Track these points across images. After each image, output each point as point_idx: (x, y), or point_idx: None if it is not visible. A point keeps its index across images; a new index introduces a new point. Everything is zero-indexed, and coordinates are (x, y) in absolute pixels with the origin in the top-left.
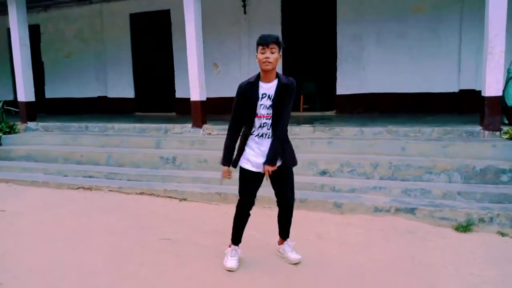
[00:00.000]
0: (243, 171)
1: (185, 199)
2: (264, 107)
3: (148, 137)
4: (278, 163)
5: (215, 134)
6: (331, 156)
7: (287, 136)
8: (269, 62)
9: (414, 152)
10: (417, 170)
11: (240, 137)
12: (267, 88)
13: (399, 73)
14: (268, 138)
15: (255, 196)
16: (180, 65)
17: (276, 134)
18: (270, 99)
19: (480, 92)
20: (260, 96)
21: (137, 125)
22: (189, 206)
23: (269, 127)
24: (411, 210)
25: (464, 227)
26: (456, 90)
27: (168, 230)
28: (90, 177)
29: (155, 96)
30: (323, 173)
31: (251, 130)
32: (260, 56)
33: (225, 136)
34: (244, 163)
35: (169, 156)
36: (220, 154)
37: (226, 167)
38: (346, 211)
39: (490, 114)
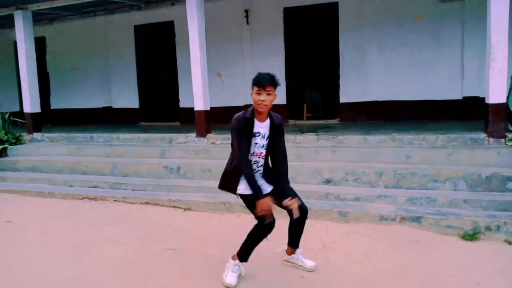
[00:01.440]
0: (248, 196)
1: (189, 209)
2: (258, 146)
3: (152, 147)
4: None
5: (219, 144)
6: (336, 165)
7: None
8: (265, 105)
9: (419, 160)
10: (422, 178)
11: (232, 166)
12: (261, 127)
13: (402, 80)
14: (261, 175)
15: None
16: (184, 75)
17: (282, 173)
18: (264, 138)
19: (483, 99)
20: (255, 134)
21: (142, 135)
22: (194, 216)
23: (259, 165)
24: (417, 219)
25: (471, 236)
26: (459, 97)
27: (173, 240)
28: (95, 187)
29: (159, 106)
30: (328, 181)
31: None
32: (256, 97)
33: (228, 145)
34: (245, 190)
35: (174, 166)
36: (224, 163)
37: (264, 199)
38: (351, 220)
39: (494, 121)
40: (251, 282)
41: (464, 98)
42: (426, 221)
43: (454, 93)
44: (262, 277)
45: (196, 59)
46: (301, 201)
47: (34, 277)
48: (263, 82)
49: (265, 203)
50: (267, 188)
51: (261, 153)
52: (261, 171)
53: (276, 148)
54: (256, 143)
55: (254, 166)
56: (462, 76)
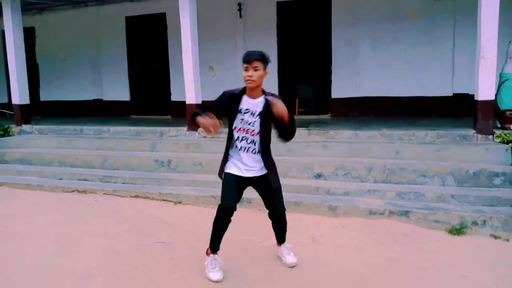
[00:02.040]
0: (226, 175)
1: (180, 202)
2: (245, 122)
3: (143, 140)
4: (262, 172)
5: (210, 137)
6: (326, 160)
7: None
8: (252, 81)
9: (408, 155)
10: (411, 174)
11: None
12: (252, 104)
13: (394, 77)
14: (254, 153)
15: (236, 201)
16: (175, 68)
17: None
18: (253, 116)
19: (473, 96)
20: (241, 110)
21: (132, 128)
22: (184, 209)
23: (254, 143)
24: (405, 213)
25: (458, 230)
26: (450, 94)
27: (163, 233)
28: (85, 180)
29: (151, 99)
30: (318, 176)
31: (231, 141)
32: (244, 73)
33: (219, 139)
34: (228, 169)
35: (164, 159)
36: (215, 157)
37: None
38: (340, 214)
39: (483, 118)
40: (240, 276)
41: (454, 95)
42: (414, 215)
43: (445, 90)
44: (251, 271)
45: (188, 52)
46: (279, 208)
47: (22, 269)
48: (250, 57)
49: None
50: (256, 172)
51: (249, 129)
52: (254, 149)
53: (268, 126)
54: (242, 119)
55: (243, 143)
56: (453, 73)
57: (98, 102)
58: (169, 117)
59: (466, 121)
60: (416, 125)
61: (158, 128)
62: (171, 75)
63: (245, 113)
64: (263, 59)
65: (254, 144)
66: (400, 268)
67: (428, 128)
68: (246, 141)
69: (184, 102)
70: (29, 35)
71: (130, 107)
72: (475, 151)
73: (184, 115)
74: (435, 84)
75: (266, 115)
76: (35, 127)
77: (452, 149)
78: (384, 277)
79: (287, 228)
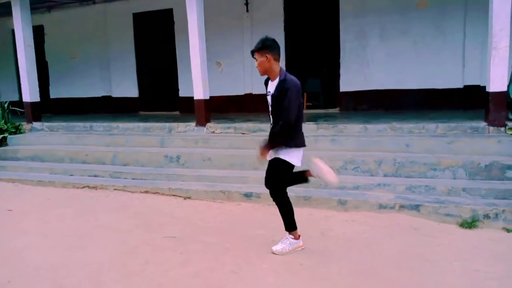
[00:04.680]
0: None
1: (189, 197)
2: (268, 104)
3: (152, 136)
4: (269, 158)
5: (219, 133)
6: (335, 154)
7: (285, 133)
8: (258, 69)
9: (419, 148)
10: (422, 167)
11: None
12: (271, 86)
13: (403, 69)
14: None
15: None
16: (183, 64)
17: (275, 127)
18: (270, 97)
19: (484, 87)
20: (267, 93)
21: (141, 124)
22: (194, 204)
23: (271, 122)
24: (416, 207)
25: (469, 224)
26: (460, 86)
27: (173, 228)
28: (96, 176)
29: (159, 95)
30: None
31: None
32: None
33: (228, 135)
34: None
35: (173, 155)
36: (224, 152)
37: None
38: (350, 208)
39: (495, 109)
40: (251, 270)
41: (465, 86)
42: (425, 209)
43: (456, 82)
44: (261, 265)
45: (195, 48)
46: (268, 176)
47: (34, 265)
48: (252, 50)
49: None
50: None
51: (269, 109)
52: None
53: (278, 107)
54: (267, 101)
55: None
56: (464, 65)
57: (107, 99)
58: (177, 112)
59: (477, 113)
60: (426, 118)
61: (167, 124)
62: (178, 71)
63: (267, 95)
64: (260, 48)
65: (271, 124)
66: (410, 261)
67: (439, 120)
68: (270, 122)
69: (192, 97)
70: (39, 34)
71: (138, 103)
72: (486, 143)
73: (192, 110)
74: (445, 76)
75: (277, 97)
76: (46, 124)
77: (463, 141)
78: (395, 271)
79: (297, 223)
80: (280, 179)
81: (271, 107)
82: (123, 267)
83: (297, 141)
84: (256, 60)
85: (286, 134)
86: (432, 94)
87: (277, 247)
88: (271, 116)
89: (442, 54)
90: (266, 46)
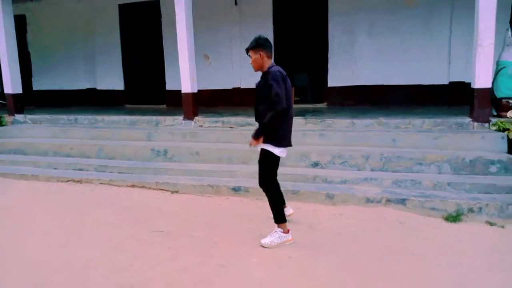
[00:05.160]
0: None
1: (177, 192)
2: None
3: (139, 129)
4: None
5: (207, 127)
6: (323, 148)
7: (273, 119)
8: (252, 66)
9: (405, 144)
10: (408, 162)
11: None
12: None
13: (391, 65)
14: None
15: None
16: (170, 57)
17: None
18: (256, 88)
19: (469, 84)
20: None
21: (128, 117)
22: (181, 199)
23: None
24: (402, 201)
25: (454, 217)
26: (446, 82)
27: (160, 223)
28: (80, 170)
29: (145, 88)
30: (315, 164)
31: None
32: None
33: (216, 129)
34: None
35: (161, 149)
36: (212, 146)
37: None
38: (338, 202)
39: (479, 106)
40: (239, 264)
41: (450, 83)
42: (411, 203)
43: (441, 78)
44: (250, 259)
45: (183, 41)
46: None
47: (19, 261)
48: (246, 49)
49: None
50: None
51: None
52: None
53: (261, 97)
54: None
55: None
56: (449, 62)
57: (91, 91)
58: (164, 106)
59: (462, 109)
60: (413, 114)
61: (154, 117)
62: (166, 64)
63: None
64: (252, 47)
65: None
66: (397, 255)
67: (425, 116)
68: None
69: (180, 91)
70: (20, 23)
71: (124, 96)
72: (471, 139)
73: (180, 104)
74: (431, 73)
75: (259, 86)
76: (29, 116)
77: (449, 137)
78: (381, 264)
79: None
80: (265, 170)
81: (256, 96)
82: (110, 262)
83: (280, 138)
84: (251, 58)
85: (276, 120)
86: (419, 90)
87: (265, 240)
88: (254, 108)
89: (429, 51)
90: (259, 45)
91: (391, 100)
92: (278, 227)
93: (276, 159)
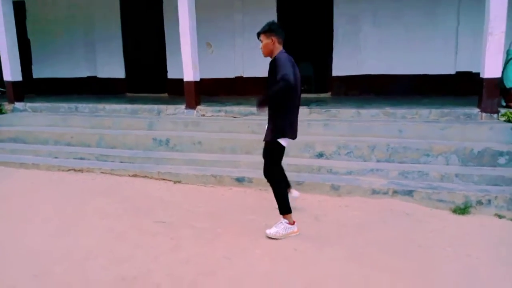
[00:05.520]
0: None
1: (179, 182)
2: None
3: (140, 118)
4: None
5: (209, 116)
6: (328, 138)
7: (274, 93)
8: (262, 51)
9: (412, 134)
10: (415, 153)
11: None
12: None
13: (396, 54)
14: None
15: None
16: (172, 45)
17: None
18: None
19: (476, 74)
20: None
21: (129, 106)
22: (184, 189)
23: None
24: (409, 193)
25: (462, 210)
26: (452, 72)
27: (163, 213)
28: (81, 159)
29: (146, 76)
30: (320, 155)
31: None
32: None
33: (218, 118)
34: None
35: (163, 138)
36: (215, 136)
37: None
38: (343, 193)
39: (488, 96)
40: (244, 256)
41: (457, 73)
42: (418, 195)
43: (447, 68)
44: (254, 250)
45: (185, 28)
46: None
47: (19, 250)
48: (257, 33)
49: None
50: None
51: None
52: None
53: (271, 82)
54: None
55: None
56: (456, 51)
57: (92, 80)
58: (165, 95)
59: (469, 100)
60: (419, 104)
61: (156, 106)
62: (167, 52)
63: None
64: (264, 31)
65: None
66: (404, 247)
67: (432, 106)
68: None
69: (181, 79)
70: (20, 10)
71: (125, 84)
72: (479, 130)
73: (182, 92)
74: (437, 62)
75: (269, 72)
76: (29, 104)
77: (456, 127)
78: (388, 256)
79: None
80: (270, 160)
81: (267, 82)
82: (111, 253)
83: (285, 129)
84: (262, 42)
85: (282, 93)
86: (424, 80)
87: (271, 231)
88: None
89: (435, 40)
90: (272, 29)
91: (396, 90)
92: (284, 218)
93: (281, 149)
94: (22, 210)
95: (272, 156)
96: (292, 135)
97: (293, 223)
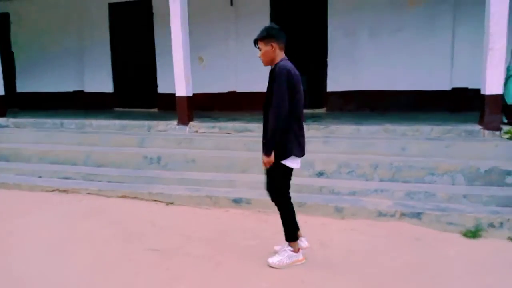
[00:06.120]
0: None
1: (172, 203)
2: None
3: (129, 135)
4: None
5: (203, 132)
6: (328, 156)
7: (278, 127)
8: (261, 59)
9: (415, 152)
10: (419, 172)
11: None
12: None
13: (392, 70)
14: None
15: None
16: (162, 59)
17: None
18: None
19: (472, 90)
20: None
21: (117, 121)
22: (177, 211)
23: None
24: (417, 215)
25: (473, 233)
26: (448, 88)
27: (156, 239)
28: (67, 178)
29: (136, 91)
30: (320, 174)
31: None
32: None
33: (212, 135)
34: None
35: (154, 156)
36: (209, 154)
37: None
38: (347, 215)
39: (490, 112)
40: (249, 285)
41: (453, 89)
42: (427, 217)
43: (443, 84)
44: (259, 283)
45: (177, 41)
46: (269, 188)
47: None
48: (254, 40)
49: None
50: None
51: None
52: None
53: (269, 96)
54: None
55: None
56: (452, 67)
57: (79, 94)
58: (155, 110)
59: (466, 116)
60: (417, 120)
61: (146, 122)
62: (157, 66)
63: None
64: (263, 37)
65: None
66: (419, 275)
67: (432, 123)
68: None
69: (172, 94)
70: (4, 22)
71: (113, 99)
72: (483, 147)
73: (173, 108)
74: (433, 78)
75: (268, 84)
76: (12, 120)
77: (460, 145)
78: (402, 286)
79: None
80: (277, 184)
81: (266, 96)
82: (102, 286)
83: (292, 146)
84: (260, 50)
85: (281, 128)
86: (419, 96)
87: (274, 260)
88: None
89: (431, 55)
90: (271, 35)
91: (392, 106)
92: (289, 245)
93: (289, 171)
94: (3, 235)
95: (281, 180)
96: (301, 153)
97: (297, 250)
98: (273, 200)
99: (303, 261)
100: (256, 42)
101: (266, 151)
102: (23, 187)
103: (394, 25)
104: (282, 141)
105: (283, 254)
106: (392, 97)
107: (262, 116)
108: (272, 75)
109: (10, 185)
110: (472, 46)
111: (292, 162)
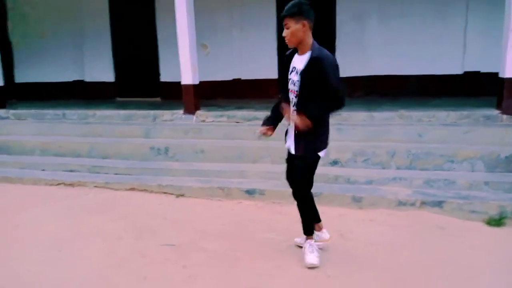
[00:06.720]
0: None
1: (182, 195)
2: (291, 82)
3: (135, 125)
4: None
5: (210, 122)
6: (342, 144)
7: (321, 119)
8: (287, 40)
9: (432, 138)
10: (438, 159)
11: None
12: (298, 61)
13: (402, 54)
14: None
15: (289, 177)
16: (165, 46)
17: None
18: (297, 74)
19: (484, 74)
20: (290, 69)
21: (121, 111)
22: (188, 203)
23: (292, 105)
24: (439, 204)
25: (497, 221)
26: (460, 72)
27: (168, 234)
28: (72, 171)
29: (138, 79)
30: (334, 163)
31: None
32: None
33: (221, 124)
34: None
35: (161, 147)
36: (218, 143)
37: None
38: (366, 205)
39: (509, 97)
40: (274, 284)
41: (465, 73)
42: (448, 205)
43: (455, 68)
44: (281, 279)
45: (183, 27)
46: (294, 181)
47: (5, 281)
48: (282, 14)
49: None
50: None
51: (293, 90)
52: (294, 111)
53: (306, 89)
54: (290, 79)
55: (292, 106)
56: (464, 51)
57: (79, 84)
58: (158, 99)
59: (480, 100)
60: (431, 105)
61: (151, 112)
62: (160, 53)
63: (291, 71)
64: (291, 14)
65: (295, 107)
66: (445, 267)
67: (447, 108)
68: (292, 103)
69: (175, 82)
70: (1, 10)
71: (115, 88)
72: (503, 133)
73: (177, 96)
74: (445, 62)
75: (307, 73)
76: (11, 111)
77: (479, 131)
78: (427, 278)
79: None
80: (308, 178)
81: (300, 86)
82: (115, 285)
83: (326, 138)
84: (287, 28)
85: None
86: (430, 80)
87: (310, 260)
88: (295, 98)
89: (443, 39)
90: (303, 11)
91: (402, 91)
92: (307, 238)
93: (317, 163)
94: (6, 231)
95: (311, 173)
96: (328, 143)
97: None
98: (296, 194)
99: (328, 241)
100: (283, 18)
101: (312, 113)
102: (26, 181)
103: (405, 9)
104: (321, 135)
105: (309, 248)
106: (401, 82)
107: (272, 104)
108: (317, 65)
109: (13, 178)
110: (486, 30)
111: (323, 152)
